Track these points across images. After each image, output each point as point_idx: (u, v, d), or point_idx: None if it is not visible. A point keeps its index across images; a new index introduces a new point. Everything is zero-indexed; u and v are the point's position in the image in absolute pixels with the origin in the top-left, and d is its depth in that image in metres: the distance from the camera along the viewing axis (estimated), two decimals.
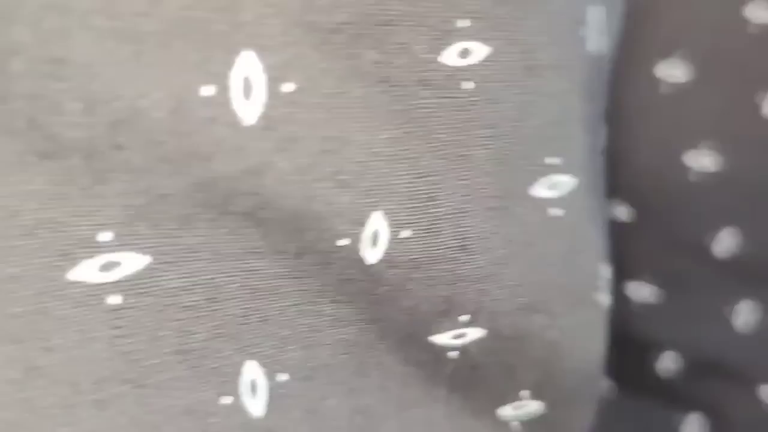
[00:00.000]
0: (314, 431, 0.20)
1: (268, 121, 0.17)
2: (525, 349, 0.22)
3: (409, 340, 0.21)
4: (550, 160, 0.21)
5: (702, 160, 0.26)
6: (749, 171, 0.26)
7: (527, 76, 0.20)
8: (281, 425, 0.20)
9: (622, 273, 0.27)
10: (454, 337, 0.21)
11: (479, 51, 0.19)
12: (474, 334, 0.21)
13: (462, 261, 0.20)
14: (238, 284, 0.18)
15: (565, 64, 0.21)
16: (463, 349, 0.21)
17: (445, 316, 0.21)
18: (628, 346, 0.28)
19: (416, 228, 0.19)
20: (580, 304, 0.22)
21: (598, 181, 0.24)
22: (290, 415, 0.20)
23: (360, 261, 0.19)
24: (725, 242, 0.27)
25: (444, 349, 0.21)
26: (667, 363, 0.29)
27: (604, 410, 0.28)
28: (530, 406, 0.23)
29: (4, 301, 0.16)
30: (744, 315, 0.27)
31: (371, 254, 0.19)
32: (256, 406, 0.19)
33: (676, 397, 0.29)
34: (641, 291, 0.28)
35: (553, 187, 0.21)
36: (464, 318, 0.21)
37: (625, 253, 0.27)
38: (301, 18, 0.17)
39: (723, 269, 0.27)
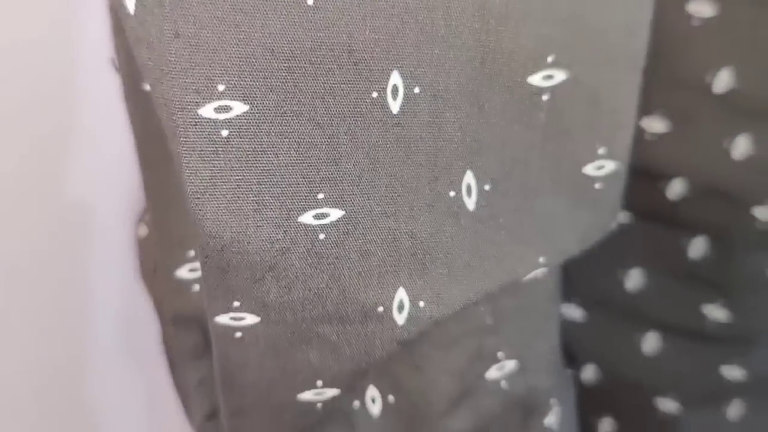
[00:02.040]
0: (433, 138, 0.25)
1: None
2: (598, 95, 0.27)
3: (512, 84, 0.26)
4: None
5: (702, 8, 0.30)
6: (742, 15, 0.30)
7: None
8: (409, 125, 0.24)
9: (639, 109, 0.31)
10: (544, 78, 0.26)
11: None
12: (559, 76, 0.26)
13: (555, 4, 0.25)
14: None
15: None
16: (552, 91, 0.26)
17: (537, 55, 0.25)
18: (642, 177, 0.32)
19: None
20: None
21: None
22: (418, 119, 0.24)
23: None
24: (723, 80, 0.30)
25: (538, 91, 0.26)
26: (676, 188, 0.32)
27: (621, 235, 0.32)
28: (609, 166, 0.28)
29: None
30: (741, 147, 0.30)
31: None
32: (395, 106, 0.24)
33: (684, 221, 0.33)
34: (654, 124, 0.32)
35: None
36: (551, 58, 0.25)
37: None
38: None
39: (722, 105, 0.31)
